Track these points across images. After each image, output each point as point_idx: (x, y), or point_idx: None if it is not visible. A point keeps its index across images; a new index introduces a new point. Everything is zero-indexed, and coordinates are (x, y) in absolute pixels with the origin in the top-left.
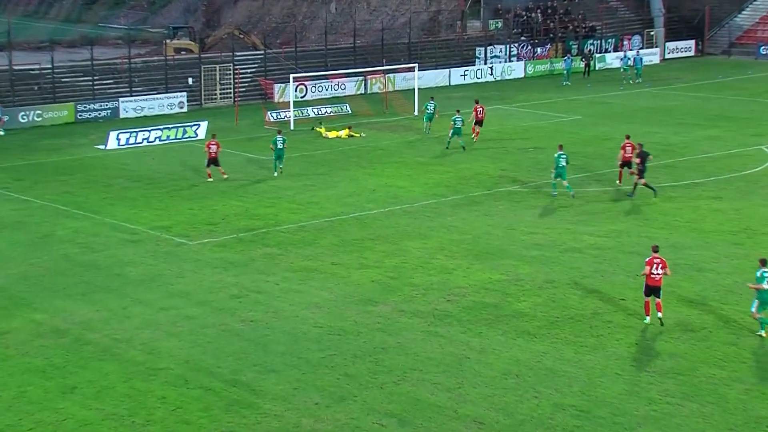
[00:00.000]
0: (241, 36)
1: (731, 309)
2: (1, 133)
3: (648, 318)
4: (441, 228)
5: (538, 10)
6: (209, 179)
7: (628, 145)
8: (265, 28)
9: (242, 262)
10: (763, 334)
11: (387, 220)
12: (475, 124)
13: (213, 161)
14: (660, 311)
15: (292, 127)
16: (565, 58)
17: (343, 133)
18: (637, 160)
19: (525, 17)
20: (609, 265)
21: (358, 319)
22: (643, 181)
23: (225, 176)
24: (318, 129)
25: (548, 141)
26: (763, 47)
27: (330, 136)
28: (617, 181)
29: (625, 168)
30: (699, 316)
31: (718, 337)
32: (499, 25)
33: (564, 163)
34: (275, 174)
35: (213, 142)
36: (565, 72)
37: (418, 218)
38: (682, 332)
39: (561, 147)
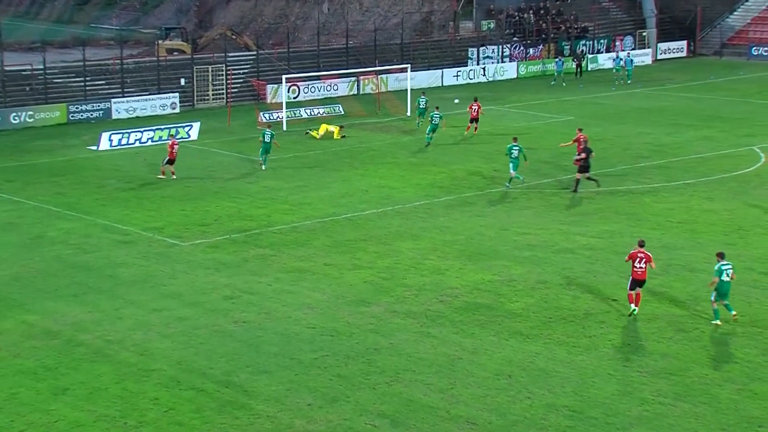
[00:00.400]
0: (234, 37)
1: (723, 309)
2: None
3: (633, 306)
4: (434, 229)
5: (531, 11)
6: (162, 177)
7: (582, 137)
8: (258, 29)
9: (235, 263)
10: (719, 323)
11: (379, 221)
12: (471, 121)
13: (172, 161)
14: (637, 305)
15: (284, 128)
16: (557, 59)
17: (335, 131)
18: (583, 155)
19: (517, 18)
20: (601, 265)
21: (350, 319)
22: (586, 174)
23: (171, 177)
24: (311, 133)
25: (541, 142)
26: (754, 48)
27: (321, 132)
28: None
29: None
30: (691, 317)
31: (710, 337)
32: (492, 25)
33: (516, 154)
34: (262, 168)
35: (177, 142)
36: (556, 73)
37: (410, 219)
38: (674, 332)
39: (515, 139)
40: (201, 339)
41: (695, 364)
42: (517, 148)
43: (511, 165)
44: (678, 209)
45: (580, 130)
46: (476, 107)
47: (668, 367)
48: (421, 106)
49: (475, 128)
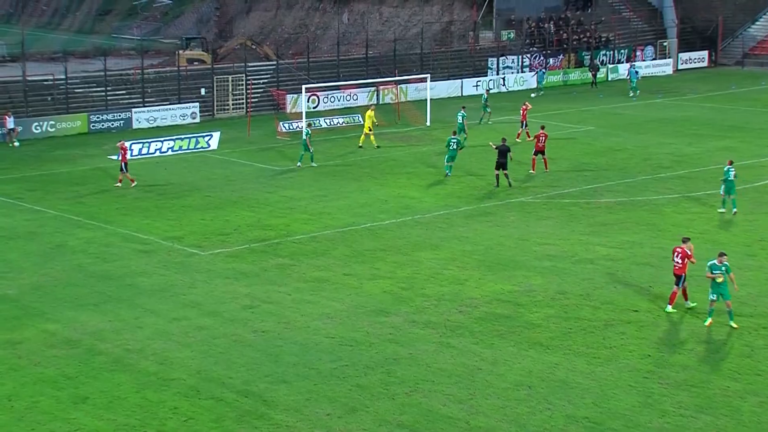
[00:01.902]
0: (254, 47)
1: (746, 321)
2: (16, 144)
3: (669, 307)
4: (453, 239)
5: (551, 21)
6: (119, 185)
7: (542, 135)
8: (278, 39)
9: (254, 273)
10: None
11: (399, 231)
12: (522, 125)
13: (126, 166)
14: (686, 299)
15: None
16: (539, 71)
17: (370, 115)
18: (497, 152)
19: (533, 29)
20: (622, 276)
21: (369, 329)
22: (504, 171)
23: (130, 184)
24: (370, 136)
25: (562, 152)
26: None
27: (369, 129)
28: (531, 170)
29: (539, 156)
30: (713, 328)
31: (732, 349)
32: (512, 35)
33: (455, 146)
34: (297, 164)
35: (127, 147)
36: (539, 84)
37: (429, 229)
38: (696, 344)
39: (454, 132)
40: (220, 348)
41: (717, 376)
42: (455, 140)
43: (446, 157)
44: (699, 220)
45: (543, 127)
46: (525, 108)
47: (689, 378)
48: (484, 102)
49: (527, 133)
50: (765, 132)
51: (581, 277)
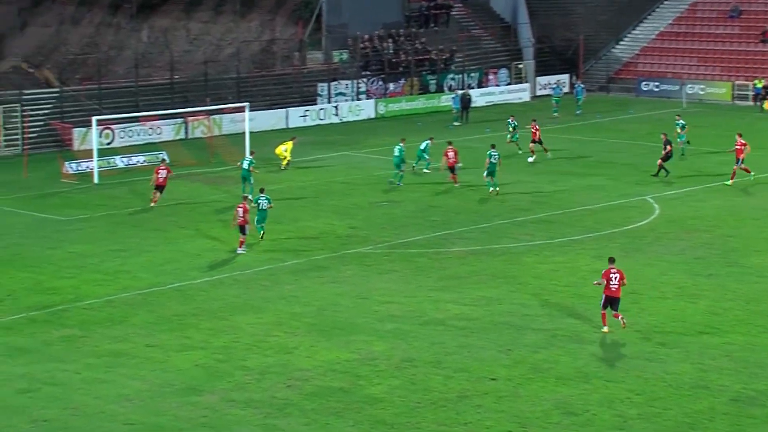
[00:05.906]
0: (31, 70)
1: (617, 387)
2: None
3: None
4: (279, 299)
5: (390, 40)
6: None
7: (450, 150)
8: (61, 61)
9: (34, 348)
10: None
11: (214, 291)
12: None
13: None
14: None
15: (96, 180)
16: (453, 95)
17: (287, 149)
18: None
19: (368, 48)
20: (477, 338)
21: (178, 412)
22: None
23: None
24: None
25: (405, 193)
26: (644, 83)
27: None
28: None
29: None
30: (581, 397)
31: (602, 421)
32: (345, 56)
33: (398, 154)
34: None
35: None
36: (454, 109)
37: (251, 288)
38: (562, 416)
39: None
40: None
41: None
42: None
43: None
44: (563, 270)
45: (450, 143)
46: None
47: None
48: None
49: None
50: (633, 167)
51: (430, 341)
